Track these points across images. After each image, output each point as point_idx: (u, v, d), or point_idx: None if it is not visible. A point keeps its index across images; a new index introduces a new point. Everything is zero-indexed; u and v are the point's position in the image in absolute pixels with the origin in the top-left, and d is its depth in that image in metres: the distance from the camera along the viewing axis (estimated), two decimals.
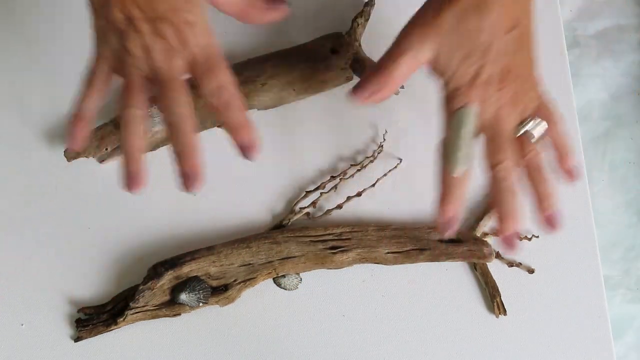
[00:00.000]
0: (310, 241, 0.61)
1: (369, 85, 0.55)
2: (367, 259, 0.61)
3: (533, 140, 0.53)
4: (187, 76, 0.52)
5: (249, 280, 0.60)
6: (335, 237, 0.61)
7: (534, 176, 0.54)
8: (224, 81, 0.52)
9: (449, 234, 0.53)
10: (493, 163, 0.52)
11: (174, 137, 0.51)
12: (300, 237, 0.61)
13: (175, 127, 0.51)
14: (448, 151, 0.53)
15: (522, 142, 0.53)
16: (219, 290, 0.60)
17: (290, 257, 0.61)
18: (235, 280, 0.60)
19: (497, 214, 0.52)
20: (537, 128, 0.53)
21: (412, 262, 0.61)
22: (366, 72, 0.57)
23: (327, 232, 0.61)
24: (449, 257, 0.61)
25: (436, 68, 0.54)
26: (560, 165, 0.55)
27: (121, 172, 0.51)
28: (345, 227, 0.62)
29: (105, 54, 0.52)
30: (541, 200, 0.54)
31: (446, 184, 0.54)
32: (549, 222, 0.54)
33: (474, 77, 0.52)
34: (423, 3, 0.54)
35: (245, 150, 0.52)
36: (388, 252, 0.61)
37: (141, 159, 0.51)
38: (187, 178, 0.52)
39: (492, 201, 0.53)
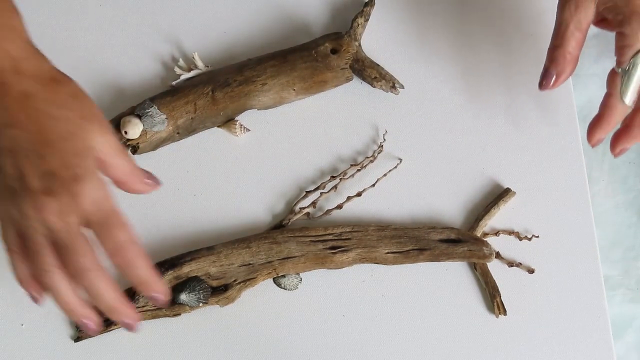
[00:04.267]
0: (310, 241, 0.61)
1: (552, 70, 0.57)
2: (367, 259, 0.61)
3: None
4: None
5: (249, 280, 0.60)
6: (335, 237, 0.61)
7: None
8: (123, 239, 0.50)
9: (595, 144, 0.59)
10: None
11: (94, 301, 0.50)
12: (300, 237, 0.61)
13: (92, 294, 0.50)
14: (627, 82, 0.55)
15: None
16: (219, 290, 0.60)
17: (290, 257, 0.61)
18: (235, 280, 0.60)
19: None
20: None
21: (412, 262, 0.61)
22: (545, 62, 0.59)
23: (327, 232, 0.61)
24: (449, 257, 0.61)
25: (605, 20, 0.56)
26: None
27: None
28: (346, 227, 0.62)
29: (5, 218, 0.50)
30: None
31: (611, 109, 0.56)
32: None
33: None
34: None
35: (155, 300, 0.51)
36: (388, 252, 0.61)
37: (84, 308, 0.51)
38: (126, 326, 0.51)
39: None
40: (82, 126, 0.50)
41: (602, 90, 0.64)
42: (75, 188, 0.48)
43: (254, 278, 0.60)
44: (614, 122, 0.57)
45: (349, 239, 0.61)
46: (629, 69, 0.54)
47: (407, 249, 0.61)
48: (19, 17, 0.50)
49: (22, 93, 0.49)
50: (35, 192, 0.48)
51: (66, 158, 0.49)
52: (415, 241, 0.61)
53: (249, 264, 0.60)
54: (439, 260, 0.62)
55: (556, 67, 0.57)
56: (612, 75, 0.56)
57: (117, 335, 0.60)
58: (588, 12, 0.55)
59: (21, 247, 0.51)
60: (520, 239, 0.64)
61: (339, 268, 0.61)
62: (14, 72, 0.49)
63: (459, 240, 0.62)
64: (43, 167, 0.48)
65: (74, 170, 0.49)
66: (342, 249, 0.61)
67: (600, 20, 0.57)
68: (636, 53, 0.53)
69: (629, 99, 0.55)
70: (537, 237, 0.64)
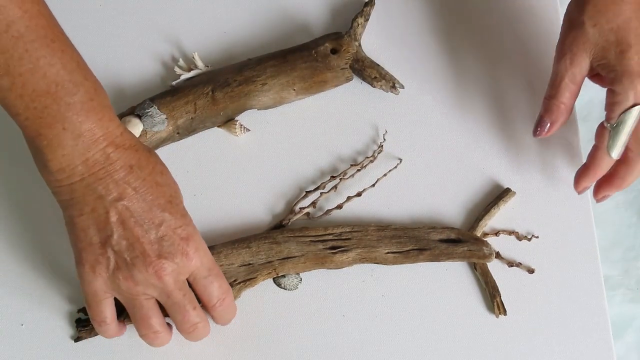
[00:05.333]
0: (310, 241, 0.61)
1: (546, 119, 0.59)
2: (367, 259, 0.61)
3: None
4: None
5: (249, 280, 0.60)
6: (335, 237, 0.61)
7: None
8: (224, 289, 0.56)
9: (581, 193, 0.62)
10: None
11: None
12: (300, 237, 0.61)
13: (194, 339, 0.58)
14: (614, 137, 0.57)
15: None
16: None
17: (290, 257, 0.61)
18: (235, 280, 0.60)
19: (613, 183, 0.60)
20: None
21: (412, 262, 0.61)
22: (540, 112, 0.61)
23: (327, 232, 0.61)
24: (449, 257, 0.61)
25: (599, 76, 0.58)
26: None
27: None
28: (346, 227, 0.62)
29: (105, 294, 0.54)
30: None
31: (598, 161, 0.59)
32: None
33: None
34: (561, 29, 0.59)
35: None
36: (388, 252, 0.61)
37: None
38: None
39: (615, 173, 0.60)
40: (177, 189, 0.55)
41: (602, 91, 0.64)
42: (187, 248, 0.53)
43: (254, 278, 0.60)
44: (600, 173, 0.60)
45: (349, 239, 0.61)
46: (617, 125, 0.56)
47: (407, 249, 0.61)
48: (107, 96, 0.53)
49: (127, 166, 0.52)
50: (151, 257, 0.52)
51: (175, 220, 0.53)
52: (415, 241, 0.61)
53: (249, 264, 0.60)
54: (439, 260, 0.62)
55: (550, 116, 0.60)
56: (601, 129, 0.58)
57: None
58: (582, 66, 0.57)
59: (114, 317, 0.56)
60: (520, 239, 0.64)
61: (339, 268, 0.61)
62: (115, 147, 0.51)
63: (459, 240, 0.62)
64: (156, 232, 0.52)
65: (183, 231, 0.53)
66: (342, 249, 0.61)
67: (594, 75, 0.59)
68: (625, 110, 0.55)
69: (616, 153, 0.57)
70: (537, 237, 0.64)
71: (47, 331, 0.61)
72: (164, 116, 0.63)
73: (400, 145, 0.66)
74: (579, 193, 0.62)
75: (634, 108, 0.55)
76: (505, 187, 0.65)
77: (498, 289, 0.62)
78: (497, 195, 0.65)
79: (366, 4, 0.67)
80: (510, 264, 0.63)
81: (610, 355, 0.62)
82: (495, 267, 0.63)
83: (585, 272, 0.63)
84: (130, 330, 0.60)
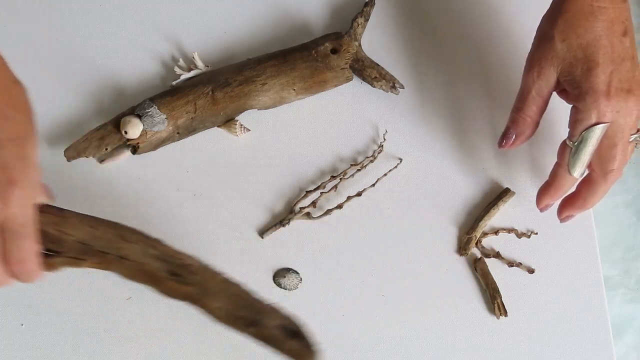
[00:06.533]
0: (157, 256, 0.54)
1: (512, 131, 0.59)
2: (197, 301, 0.53)
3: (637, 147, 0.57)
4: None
5: (75, 259, 0.53)
6: (181, 265, 0.53)
7: None
8: (31, 249, 0.50)
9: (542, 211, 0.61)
10: (607, 170, 0.55)
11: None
12: (150, 245, 0.54)
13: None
14: (575, 155, 0.56)
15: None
16: (49, 254, 0.53)
17: (126, 259, 0.53)
18: (62, 252, 0.53)
19: (575, 204, 0.59)
20: None
21: (237, 329, 0.53)
22: (506, 126, 0.61)
23: (179, 255, 0.54)
24: (275, 345, 0.53)
25: (565, 91, 0.57)
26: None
27: None
28: (200, 262, 0.54)
29: None
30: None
31: (559, 179, 0.58)
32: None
33: (607, 86, 0.53)
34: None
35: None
36: (219, 307, 0.53)
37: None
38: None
39: (584, 194, 0.58)
40: (30, 130, 0.50)
41: None
42: (8, 193, 0.48)
43: (82, 260, 0.53)
44: (562, 192, 0.59)
45: (194, 274, 0.53)
46: (578, 143, 0.55)
47: (240, 314, 0.53)
48: None
49: None
50: None
51: (8, 159, 0.48)
52: (253, 312, 0.53)
53: (85, 244, 0.53)
54: (263, 341, 0.53)
55: (515, 128, 0.59)
56: (563, 146, 0.57)
57: (116, 334, 0.60)
58: (550, 80, 0.56)
59: None
60: (520, 236, 0.64)
61: (168, 297, 0.53)
62: None
63: (295, 333, 0.54)
64: None
65: (11, 173, 0.48)
66: (180, 279, 0.53)
67: (562, 91, 0.59)
68: (586, 128, 0.54)
69: (577, 172, 0.56)
70: (536, 233, 0.64)
71: (47, 331, 0.61)
72: (164, 116, 0.63)
73: (400, 145, 0.66)
74: (541, 211, 0.61)
75: (596, 127, 0.54)
76: (505, 187, 0.65)
77: (499, 290, 0.62)
78: (497, 195, 0.65)
79: (366, 4, 0.67)
80: (511, 264, 0.63)
81: (610, 355, 0.62)
82: (495, 267, 0.63)
83: (585, 272, 0.63)
84: (132, 330, 0.60)
